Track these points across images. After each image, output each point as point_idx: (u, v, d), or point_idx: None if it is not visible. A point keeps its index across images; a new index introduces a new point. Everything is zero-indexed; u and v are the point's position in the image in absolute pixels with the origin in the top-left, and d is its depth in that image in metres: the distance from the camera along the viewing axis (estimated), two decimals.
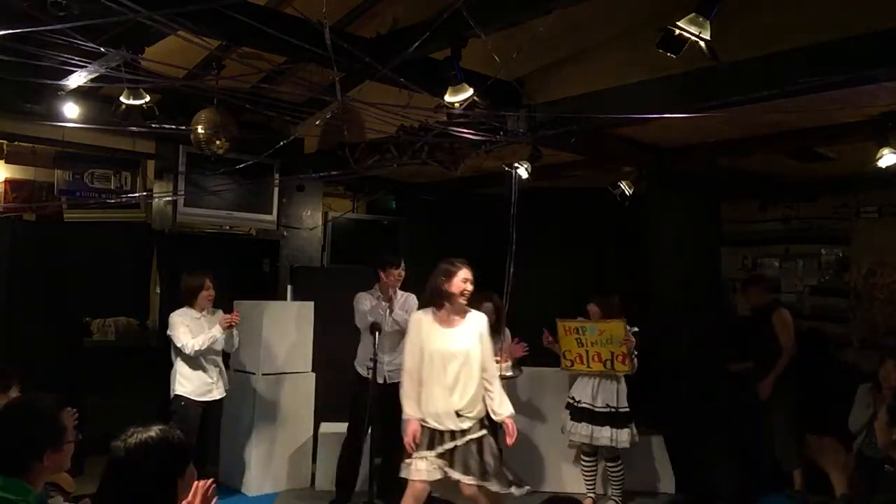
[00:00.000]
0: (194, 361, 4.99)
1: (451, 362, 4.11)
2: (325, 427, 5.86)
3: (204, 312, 5.07)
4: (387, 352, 5.17)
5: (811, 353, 6.61)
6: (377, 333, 4.83)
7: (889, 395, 4.66)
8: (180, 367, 5.01)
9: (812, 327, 7.04)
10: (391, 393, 5.18)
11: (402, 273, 5.22)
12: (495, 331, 5.03)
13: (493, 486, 3.99)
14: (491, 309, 5.13)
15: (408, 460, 4.06)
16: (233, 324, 5.02)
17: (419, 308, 4.42)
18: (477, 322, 4.22)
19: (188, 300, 5.05)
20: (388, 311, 5.17)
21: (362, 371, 5.23)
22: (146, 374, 6.21)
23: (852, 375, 6.04)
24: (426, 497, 4.12)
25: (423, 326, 4.17)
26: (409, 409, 4.08)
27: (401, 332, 5.20)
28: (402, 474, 4.06)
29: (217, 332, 4.95)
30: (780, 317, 5.88)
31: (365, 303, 5.19)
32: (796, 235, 7.24)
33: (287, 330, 5.81)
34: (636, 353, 5.24)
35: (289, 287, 6.40)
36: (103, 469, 2.04)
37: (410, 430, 4.02)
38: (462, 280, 4.13)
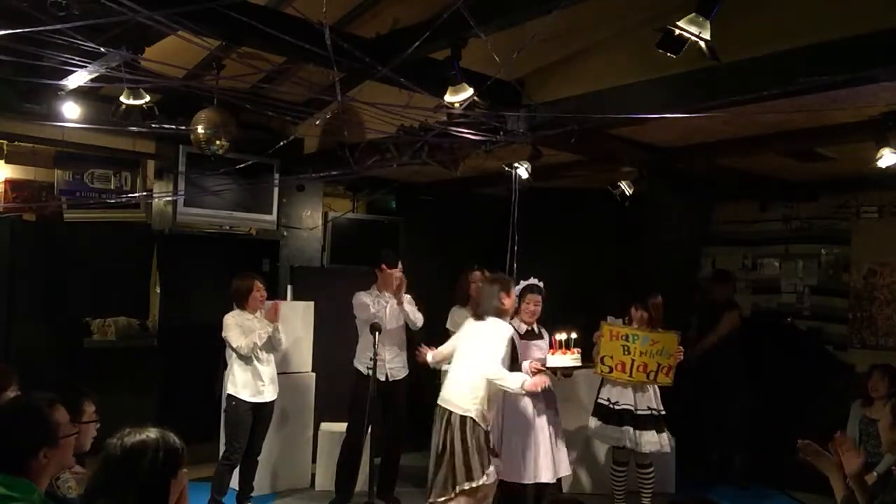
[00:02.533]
0: (247, 363, 5.05)
1: None
2: (325, 427, 5.87)
3: (257, 314, 5.14)
4: (388, 349, 5.19)
5: (810, 353, 6.63)
6: (377, 333, 4.85)
7: (880, 406, 4.74)
8: (233, 368, 5.08)
9: (812, 327, 7.05)
10: (392, 390, 5.21)
11: (399, 274, 5.22)
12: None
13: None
14: (480, 279, 5.41)
15: (495, 460, 4.31)
16: (277, 312, 5.09)
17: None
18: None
19: (239, 302, 5.12)
20: (388, 307, 5.18)
21: (362, 369, 5.25)
22: (146, 374, 6.22)
23: (851, 376, 6.06)
24: None
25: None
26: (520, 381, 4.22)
27: (403, 329, 5.23)
28: (491, 480, 4.22)
29: (266, 330, 5.03)
30: (730, 316, 6.41)
31: (365, 299, 5.21)
32: (796, 235, 7.23)
33: (287, 330, 5.81)
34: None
35: (289, 287, 6.40)
36: (96, 467, 2.05)
37: (542, 380, 4.29)
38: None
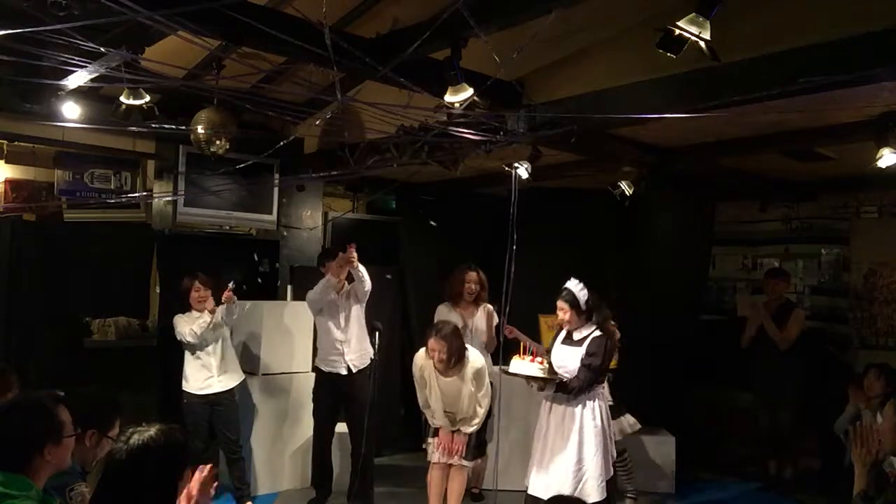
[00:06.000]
0: (193, 356, 5.11)
1: (455, 402, 4.69)
2: None
3: (205, 313, 5.10)
4: (346, 339, 5.28)
5: (812, 353, 6.62)
6: (377, 333, 4.87)
7: (875, 404, 4.77)
8: (185, 365, 5.15)
9: (812, 327, 7.05)
10: (356, 381, 5.29)
11: (336, 261, 5.24)
12: (482, 300, 5.54)
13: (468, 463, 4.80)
14: (475, 279, 5.55)
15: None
16: (228, 301, 5.10)
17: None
18: (472, 367, 4.68)
19: (184, 302, 5.17)
20: (339, 299, 5.27)
21: (323, 367, 5.37)
22: (146, 374, 6.21)
23: (852, 376, 6.06)
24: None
25: (424, 374, 4.73)
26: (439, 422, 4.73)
27: (360, 316, 5.31)
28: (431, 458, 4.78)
29: (207, 315, 5.03)
30: (798, 314, 6.11)
31: (316, 293, 5.30)
32: (796, 235, 7.23)
33: (287, 330, 5.82)
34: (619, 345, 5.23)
35: (289, 287, 6.40)
36: (102, 469, 2.05)
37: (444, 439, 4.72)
38: (433, 346, 4.59)
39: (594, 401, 4.38)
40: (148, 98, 4.37)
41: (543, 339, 5.34)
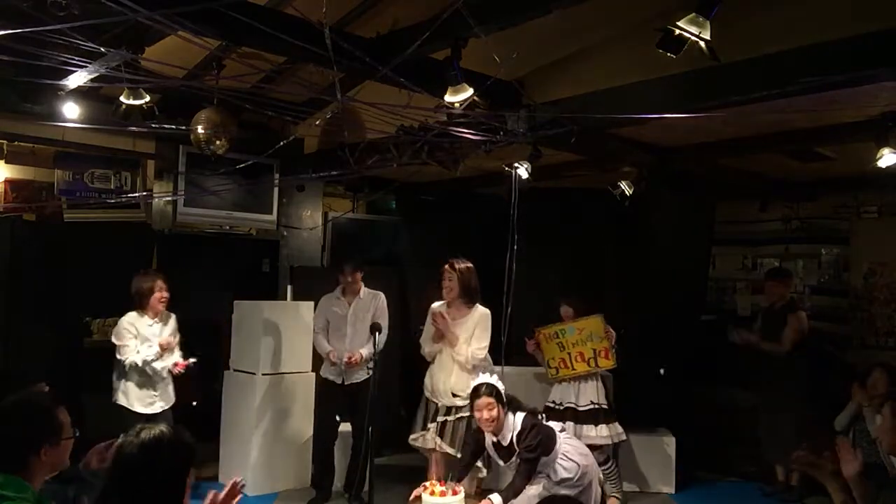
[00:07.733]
0: (139, 372, 4.89)
1: (459, 346, 4.82)
2: None
3: (157, 319, 4.99)
4: (347, 351, 5.29)
5: (813, 353, 6.62)
6: (377, 333, 4.87)
7: (877, 403, 4.74)
8: (128, 376, 4.88)
9: (812, 327, 7.05)
10: (356, 390, 5.35)
11: (351, 276, 5.33)
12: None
13: None
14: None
15: (421, 432, 4.87)
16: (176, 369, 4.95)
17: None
18: (472, 318, 4.93)
19: (138, 304, 4.92)
20: (349, 311, 5.37)
21: (327, 375, 5.43)
22: None
23: (852, 376, 6.06)
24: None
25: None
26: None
27: (364, 330, 5.29)
28: (417, 444, 4.92)
29: (160, 363, 4.87)
30: (797, 317, 5.96)
31: (318, 318, 5.46)
32: (796, 235, 7.23)
33: (287, 330, 5.81)
34: (616, 347, 5.28)
35: (289, 287, 6.40)
36: (110, 466, 2.05)
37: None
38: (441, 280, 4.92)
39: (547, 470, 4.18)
40: (148, 98, 4.37)
41: (546, 353, 5.39)
